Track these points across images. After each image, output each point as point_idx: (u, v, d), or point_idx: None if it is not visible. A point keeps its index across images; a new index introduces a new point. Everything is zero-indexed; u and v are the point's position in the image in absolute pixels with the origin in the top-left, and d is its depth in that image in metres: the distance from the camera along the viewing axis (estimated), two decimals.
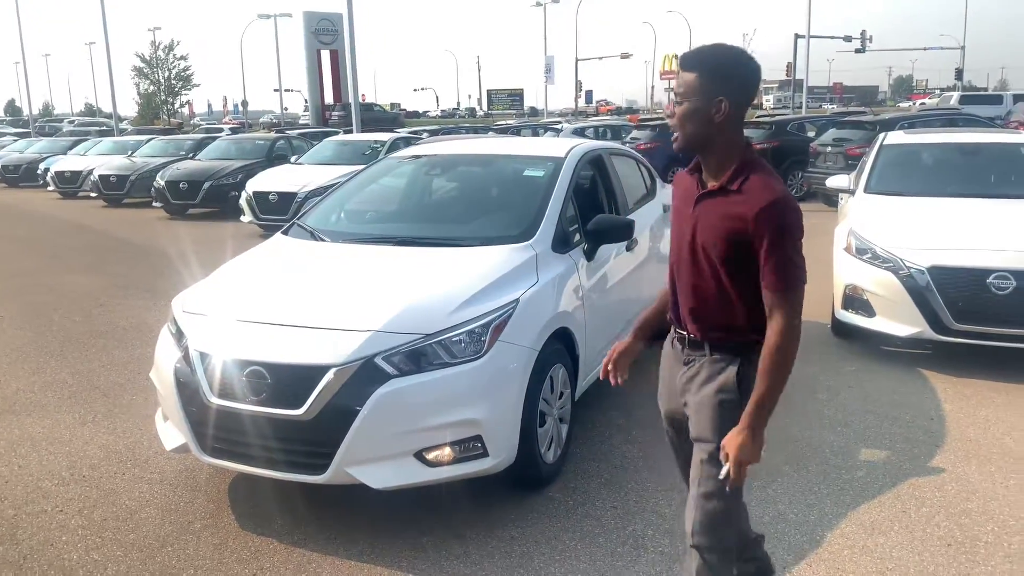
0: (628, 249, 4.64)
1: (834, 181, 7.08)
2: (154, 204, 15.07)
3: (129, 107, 61.03)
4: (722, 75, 2.03)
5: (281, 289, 3.67)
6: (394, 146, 12.55)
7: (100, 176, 16.96)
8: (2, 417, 4.68)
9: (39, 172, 21.15)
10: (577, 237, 4.12)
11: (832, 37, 42.66)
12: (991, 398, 4.63)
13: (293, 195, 11.69)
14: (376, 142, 13.70)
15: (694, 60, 2.06)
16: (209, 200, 14.23)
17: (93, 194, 17.47)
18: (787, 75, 44.76)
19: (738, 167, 2.06)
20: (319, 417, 3.01)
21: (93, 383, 5.25)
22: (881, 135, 7.42)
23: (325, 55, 43.36)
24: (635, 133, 18.59)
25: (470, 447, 3.14)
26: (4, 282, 8.82)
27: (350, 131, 19.52)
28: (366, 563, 3.06)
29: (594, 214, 4.21)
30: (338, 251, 4.11)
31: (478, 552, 3.11)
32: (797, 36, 38.19)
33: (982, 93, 44.38)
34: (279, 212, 11.53)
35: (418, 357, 3.10)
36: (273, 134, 20.46)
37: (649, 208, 5.47)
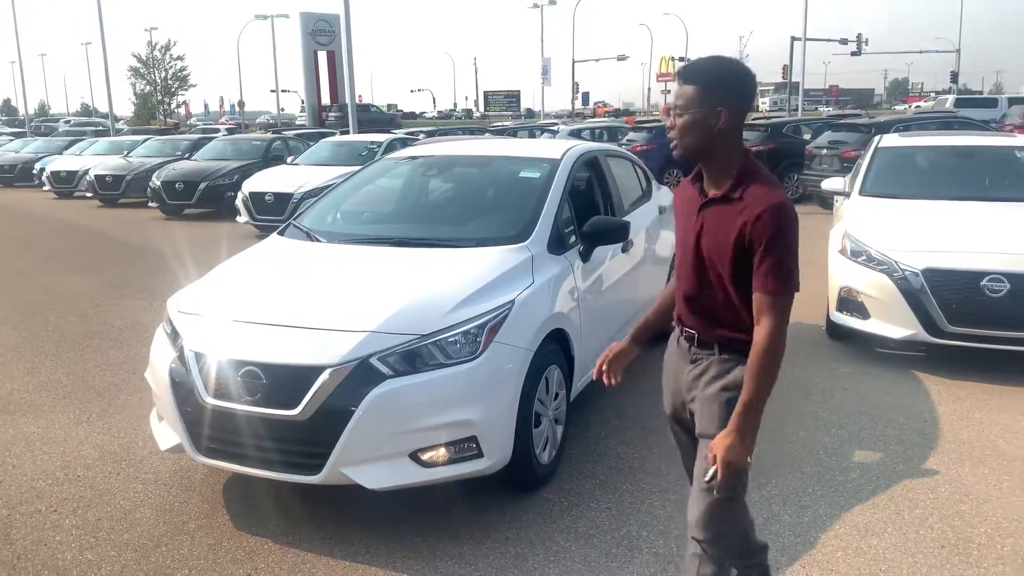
0: (624, 251, 4.65)
1: (829, 183, 7.09)
2: (150, 204, 15.04)
3: (125, 107, 60.93)
4: (721, 86, 2.08)
5: (277, 289, 3.67)
6: (391, 147, 12.55)
7: (96, 176, 16.92)
8: None
9: (35, 172, 21.09)
10: (573, 238, 4.12)
11: (828, 40, 42.71)
12: (985, 400, 4.64)
13: (289, 196, 11.68)
14: (372, 143, 13.69)
15: (693, 73, 2.11)
16: (205, 200, 14.22)
17: (89, 194, 17.43)
18: (783, 77, 44.81)
19: (739, 175, 2.11)
20: (314, 417, 3.01)
21: (88, 383, 5.24)
22: (876, 138, 7.45)
23: (322, 56, 43.34)
24: (631, 135, 18.63)
25: (465, 448, 3.15)
26: None
27: (347, 132, 19.50)
28: (361, 563, 3.06)
29: (590, 216, 4.22)
30: (334, 252, 4.12)
31: (473, 553, 3.11)
32: (793, 39, 38.29)
33: (977, 96, 44.48)
34: (275, 213, 11.53)
35: (413, 358, 3.10)
36: (269, 135, 20.44)
37: (645, 210, 5.48)
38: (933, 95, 58.02)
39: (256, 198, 11.98)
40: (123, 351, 5.95)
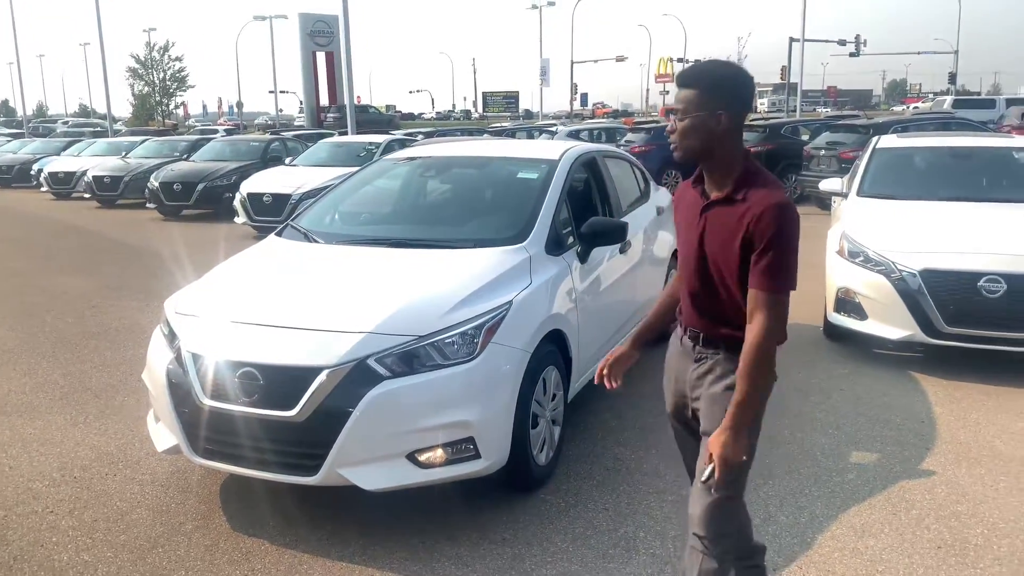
0: (622, 251, 4.66)
1: (827, 184, 7.10)
2: (148, 205, 15.02)
3: (124, 108, 60.95)
4: (721, 90, 2.10)
5: (274, 290, 3.67)
6: (389, 148, 12.55)
7: (94, 177, 16.89)
8: None
9: (32, 173, 21.06)
10: (571, 239, 4.13)
11: (827, 41, 42.76)
12: (981, 401, 4.65)
13: (287, 197, 11.68)
14: (371, 144, 13.69)
15: (693, 77, 2.13)
16: (203, 201, 14.21)
17: (87, 195, 17.41)
18: (781, 78, 44.78)
19: (740, 176, 2.13)
20: (311, 418, 3.01)
21: (85, 384, 5.24)
22: (874, 139, 7.46)
23: (320, 57, 43.28)
24: (630, 136, 18.61)
25: (462, 449, 3.15)
26: None
27: (345, 133, 19.50)
28: (358, 565, 3.06)
29: (588, 216, 4.22)
30: (332, 253, 4.12)
31: (470, 554, 3.11)
32: (792, 39, 38.27)
33: (975, 97, 44.59)
34: (273, 214, 11.52)
35: (411, 358, 3.10)
36: (268, 136, 20.43)
37: (643, 211, 5.49)
38: (931, 96, 58.17)
39: (254, 199, 11.98)
40: (120, 352, 5.94)
